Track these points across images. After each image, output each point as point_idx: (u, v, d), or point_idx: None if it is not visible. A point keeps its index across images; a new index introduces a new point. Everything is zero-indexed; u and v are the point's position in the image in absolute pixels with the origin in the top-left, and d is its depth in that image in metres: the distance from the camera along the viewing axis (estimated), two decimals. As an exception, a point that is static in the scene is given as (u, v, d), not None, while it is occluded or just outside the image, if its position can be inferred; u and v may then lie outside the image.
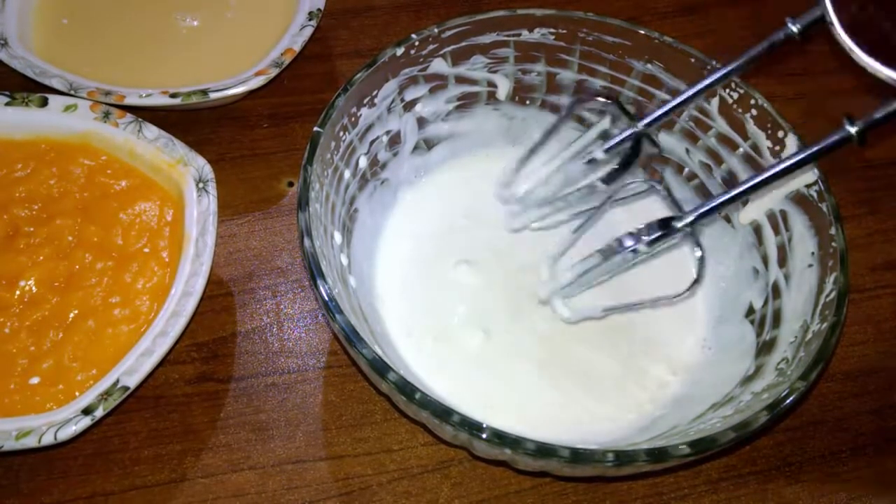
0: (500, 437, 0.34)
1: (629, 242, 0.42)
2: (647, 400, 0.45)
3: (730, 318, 0.47)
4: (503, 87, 0.52)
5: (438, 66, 0.49)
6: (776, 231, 0.46)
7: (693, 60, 0.47)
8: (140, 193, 0.49)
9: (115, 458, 0.44)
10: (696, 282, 0.42)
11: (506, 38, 0.50)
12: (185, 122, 0.57)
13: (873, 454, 0.47)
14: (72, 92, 0.51)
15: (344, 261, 0.45)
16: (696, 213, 0.41)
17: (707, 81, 0.43)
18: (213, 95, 0.52)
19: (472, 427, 0.35)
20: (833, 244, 0.41)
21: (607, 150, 0.46)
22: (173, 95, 0.52)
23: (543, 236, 0.50)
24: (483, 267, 0.49)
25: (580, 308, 0.46)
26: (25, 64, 0.53)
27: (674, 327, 0.48)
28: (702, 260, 0.42)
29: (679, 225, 0.42)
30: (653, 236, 0.42)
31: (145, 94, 0.52)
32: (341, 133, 0.45)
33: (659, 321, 0.48)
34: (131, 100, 0.51)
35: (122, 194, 0.49)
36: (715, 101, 0.48)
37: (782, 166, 0.39)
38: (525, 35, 0.50)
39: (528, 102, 0.53)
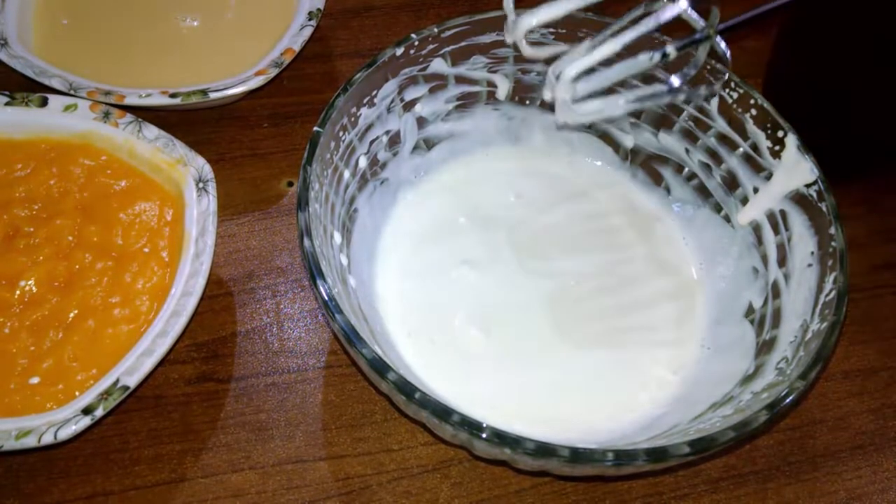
0: (500, 437, 0.34)
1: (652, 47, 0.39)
2: (647, 399, 0.45)
3: (729, 318, 0.47)
4: (503, 87, 0.52)
5: (438, 65, 0.49)
6: (776, 231, 0.46)
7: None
8: (140, 193, 0.49)
9: (115, 458, 0.44)
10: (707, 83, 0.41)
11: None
12: (185, 122, 0.57)
13: (873, 454, 0.47)
14: (72, 92, 0.51)
15: (344, 261, 0.45)
16: (728, 23, 0.41)
17: None
18: (213, 95, 0.52)
19: (472, 427, 0.35)
20: (833, 244, 0.41)
21: None
22: (173, 95, 0.52)
23: (546, 241, 0.50)
24: (483, 267, 0.49)
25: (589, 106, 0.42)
26: (25, 64, 0.53)
27: (673, 327, 0.48)
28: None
29: (705, 31, 0.39)
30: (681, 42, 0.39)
31: (145, 94, 0.52)
32: (341, 133, 0.45)
33: (659, 320, 0.48)
34: (131, 100, 0.51)
35: (122, 194, 0.49)
36: (715, 101, 0.48)
37: None
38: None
39: (528, 102, 0.53)
